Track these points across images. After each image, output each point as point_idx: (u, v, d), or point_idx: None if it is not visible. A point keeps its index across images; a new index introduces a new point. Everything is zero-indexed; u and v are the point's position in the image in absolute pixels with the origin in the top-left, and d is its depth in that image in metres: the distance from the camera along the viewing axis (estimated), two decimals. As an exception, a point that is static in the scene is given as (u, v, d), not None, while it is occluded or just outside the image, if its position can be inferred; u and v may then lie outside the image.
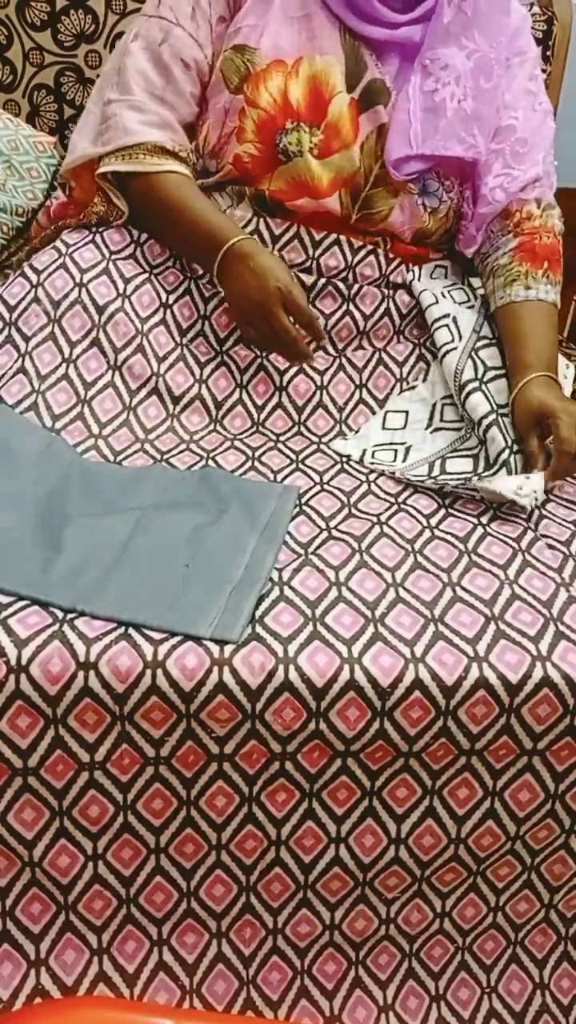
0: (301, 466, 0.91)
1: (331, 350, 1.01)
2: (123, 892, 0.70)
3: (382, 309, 1.02)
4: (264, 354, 0.98)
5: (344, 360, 1.00)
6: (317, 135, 0.97)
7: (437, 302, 1.01)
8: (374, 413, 0.98)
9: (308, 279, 1.01)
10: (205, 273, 0.99)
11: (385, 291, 1.02)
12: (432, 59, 0.99)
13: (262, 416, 0.97)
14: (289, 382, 0.98)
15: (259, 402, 0.97)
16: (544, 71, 1.71)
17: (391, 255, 1.03)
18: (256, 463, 0.90)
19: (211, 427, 0.95)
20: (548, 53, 1.64)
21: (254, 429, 0.96)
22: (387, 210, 1.01)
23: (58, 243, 0.99)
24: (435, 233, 1.05)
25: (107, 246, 0.98)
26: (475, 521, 0.82)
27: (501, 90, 1.02)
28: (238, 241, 0.92)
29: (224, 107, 0.99)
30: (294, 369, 0.99)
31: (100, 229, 1.00)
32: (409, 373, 1.00)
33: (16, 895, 0.69)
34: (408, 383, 0.99)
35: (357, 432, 0.98)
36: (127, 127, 0.98)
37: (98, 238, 0.99)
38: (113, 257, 0.98)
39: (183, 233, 0.98)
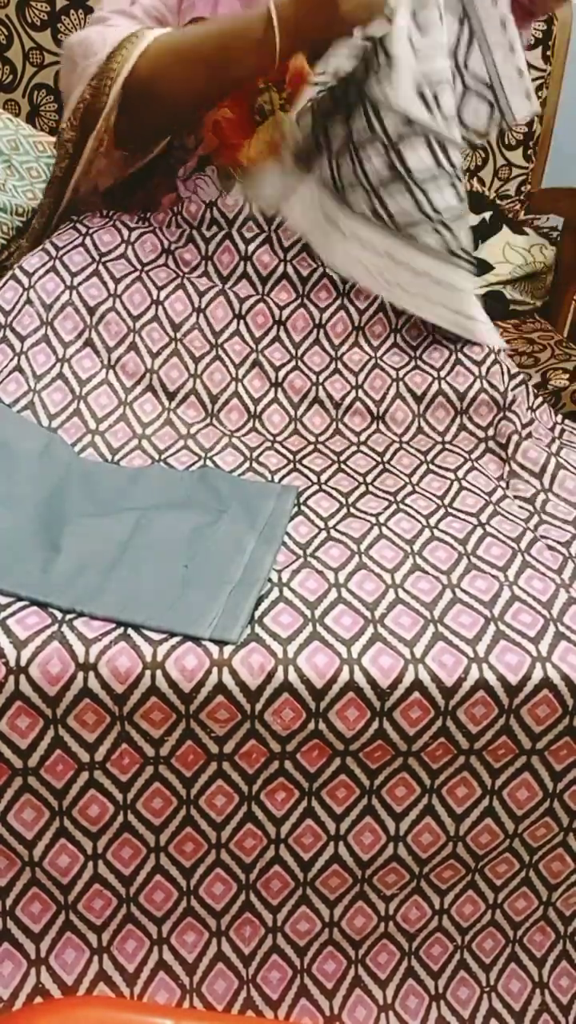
0: (299, 466, 0.91)
1: (327, 347, 1.01)
2: (123, 891, 0.70)
3: (376, 304, 1.02)
4: (259, 348, 0.98)
5: (340, 364, 1.00)
6: (284, 92, 0.98)
7: None
8: (371, 414, 0.98)
9: (304, 269, 1.01)
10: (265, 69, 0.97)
11: None
12: None
13: (259, 409, 0.97)
14: (285, 378, 0.99)
15: (256, 395, 0.98)
16: (544, 71, 1.72)
17: None
18: (254, 463, 0.90)
19: (207, 421, 0.96)
20: (548, 53, 1.65)
21: (251, 425, 0.96)
22: None
23: (47, 245, 0.99)
24: None
25: (96, 248, 0.99)
26: (475, 522, 0.83)
27: None
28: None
29: None
30: (290, 365, 0.99)
31: (90, 230, 1.01)
32: (406, 375, 1.00)
33: (16, 895, 0.69)
34: (405, 384, 1.00)
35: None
36: (107, 36, 0.98)
37: (87, 240, 0.99)
38: (103, 259, 0.98)
39: (217, 53, 0.95)
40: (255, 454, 0.92)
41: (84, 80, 0.98)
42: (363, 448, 0.95)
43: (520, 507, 0.87)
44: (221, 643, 0.65)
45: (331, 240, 0.99)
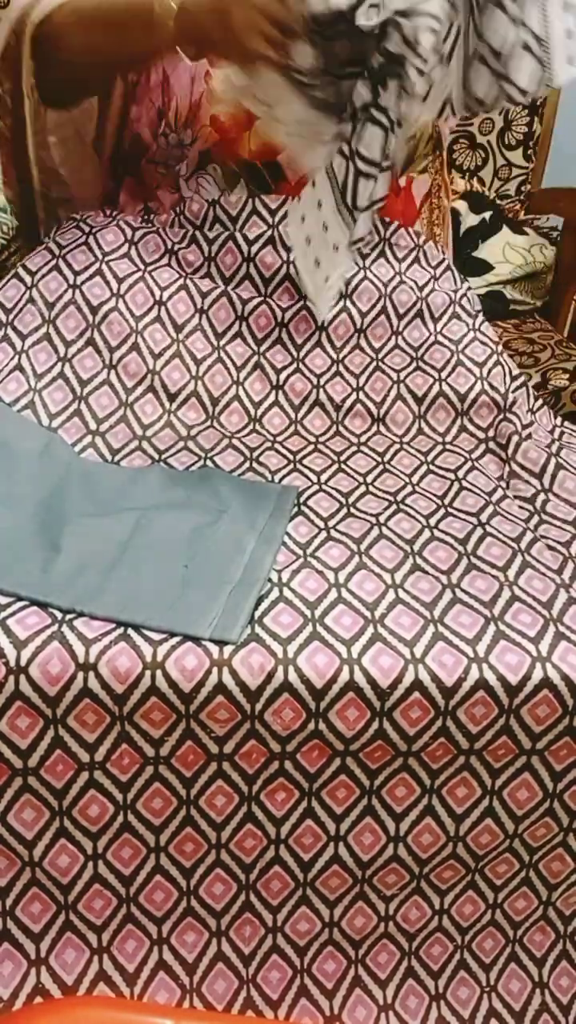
0: (299, 466, 0.91)
1: (328, 349, 1.01)
2: (123, 891, 0.70)
3: (379, 307, 1.02)
4: (261, 350, 0.98)
5: (341, 366, 1.00)
6: None
7: None
8: (372, 416, 0.99)
9: None
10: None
11: (383, 288, 1.03)
12: None
13: (259, 412, 0.97)
14: (286, 380, 0.99)
15: (256, 399, 0.98)
16: (543, 70, 1.71)
17: (387, 219, 1.04)
18: (254, 463, 0.90)
19: (208, 423, 0.96)
20: (548, 52, 1.63)
21: (251, 427, 0.97)
22: None
23: (51, 244, 0.99)
24: (421, 140, 1.06)
25: (100, 247, 0.99)
26: (475, 521, 0.83)
27: None
28: None
29: (189, 76, 1.00)
30: (291, 368, 0.99)
31: (93, 230, 1.01)
32: (407, 377, 1.00)
33: (16, 895, 0.69)
34: (406, 386, 1.00)
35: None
36: None
37: (91, 240, 0.99)
38: (106, 259, 0.98)
39: (114, 25, 0.92)
40: (255, 454, 0.92)
41: (6, 22, 0.96)
42: (363, 448, 0.95)
43: (520, 507, 0.87)
44: (221, 643, 0.65)
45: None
